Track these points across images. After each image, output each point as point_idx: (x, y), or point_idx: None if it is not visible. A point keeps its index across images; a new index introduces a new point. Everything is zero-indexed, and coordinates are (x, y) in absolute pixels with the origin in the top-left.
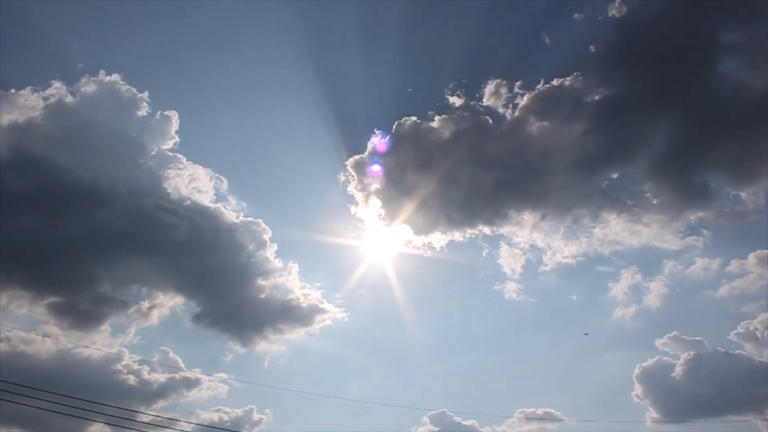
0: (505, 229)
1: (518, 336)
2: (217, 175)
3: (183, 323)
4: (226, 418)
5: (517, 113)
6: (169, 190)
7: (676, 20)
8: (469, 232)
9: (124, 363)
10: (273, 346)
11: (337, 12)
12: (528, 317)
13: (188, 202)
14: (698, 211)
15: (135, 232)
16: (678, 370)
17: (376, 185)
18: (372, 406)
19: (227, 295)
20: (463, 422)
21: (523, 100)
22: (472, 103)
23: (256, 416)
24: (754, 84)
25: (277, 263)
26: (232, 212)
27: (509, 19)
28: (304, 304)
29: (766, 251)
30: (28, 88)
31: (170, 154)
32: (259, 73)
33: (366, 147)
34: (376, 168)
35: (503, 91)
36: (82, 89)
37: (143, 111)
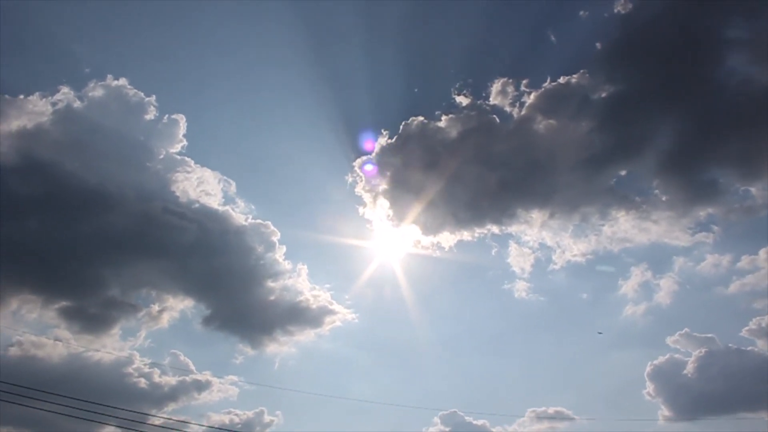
0: (513, 228)
1: (528, 335)
2: (225, 177)
3: (193, 326)
4: (237, 420)
5: (524, 112)
6: (178, 194)
7: (682, 16)
8: (478, 231)
9: (134, 366)
10: (283, 347)
11: (342, 13)
12: (538, 316)
13: (197, 205)
14: (707, 207)
15: (144, 236)
16: (690, 368)
17: (383, 186)
18: (382, 407)
19: (237, 298)
20: (474, 422)
21: (530, 99)
22: (478, 102)
23: (266, 418)
24: (760, 79)
25: (286, 265)
26: (240, 215)
27: (515, 17)
28: (314, 306)
29: None
30: (37, 93)
31: (178, 157)
32: (265, 75)
33: (373, 148)
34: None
35: (510, 89)
36: (90, 94)
37: (151, 115)
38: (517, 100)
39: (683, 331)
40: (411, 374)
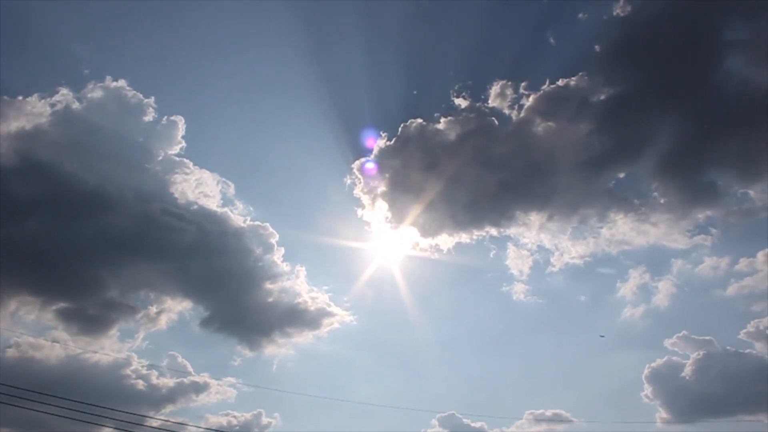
0: (512, 230)
1: (526, 337)
2: (223, 179)
3: (191, 328)
4: (234, 422)
5: (522, 114)
6: (176, 195)
7: (680, 18)
8: (476, 233)
9: (132, 368)
10: (281, 349)
11: (341, 15)
12: (536, 318)
13: (195, 207)
14: (706, 209)
15: (142, 237)
16: (688, 370)
17: (382, 188)
18: (380, 409)
19: (235, 300)
20: (472, 424)
21: (529, 101)
22: (477, 104)
23: (264, 420)
24: (759, 81)
25: (285, 267)
26: (239, 216)
27: (514, 19)
28: (312, 308)
29: None
30: (35, 95)
31: (177, 158)
32: (264, 77)
33: (372, 150)
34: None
35: (509, 92)
36: (89, 95)
37: (149, 116)
38: (516, 103)
39: (681, 333)
40: (409, 376)
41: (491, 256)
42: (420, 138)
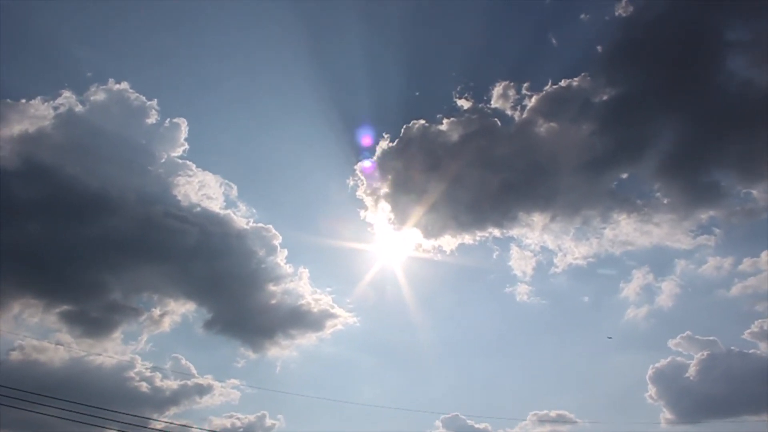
0: (515, 231)
1: (530, 338)
2: (226, 181)
3: (194, 330)
4: (238, 424)
5: (525, 115)
6: (179, 197)
7: (682, 19)
8: (479, 234)
9: (136, 370)
10: (284, 351)
11: (343, 16)
12: (539, 319)
13: (198, 209)
14: (709, 209)
15: (145, 240)
16: (692, 371)
17: (385, 189)
18: (384, 411)
19: (238, 301)
20: (476, 426)
21: (531, 102)
22: (480, 105)
23: (268, 422)
24: (761, 81)
25: (288, 269)
26: (242, 218)
27: (516, 20)
28: (315, 309)
29: None
30: (38, 97)
31: (180, 161)
32: (267, 79)
33: (375, 152)
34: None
35: (511, 93)
36: (92, 98)
37: (152, 119)
38: (519, 104)
39: (685, 333)
40: (413, 378)
41: (494, 257)
42: (422, 139)
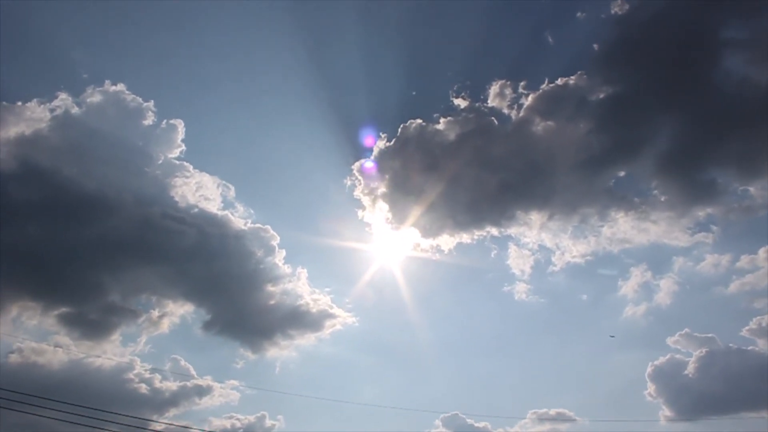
0: (512, 230)
1: (529, 337)
2: (224, 182)
3: (193, 331)
4: (238, 424)
5: (522, 114)
6: (177, 199)
7: (679, 17)
8: (477, 233)
9: (135, 372)
10: (283, 351)
11: (340, 16)
12: (538, 318)
13: (196, 210)
14: (706, 207)
15: (143, 241)
16: (690, 368)
17: (382, 189)
18: (384, 410)
19: (237, 302)
20: (476, 424)
21: (528, 101)
22: (477, 104)
23: (268, 422)
24: (758, 79)
25: (286, 269)
26: (239, 219)
27: (512, 19)
28: (314, 310)
29: None
30: (35, 100)
31: (177, 162)
32: (263, 79)
33: (372, 151)
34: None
35: (508, 91)
36: (88, 100)
37: (149, 120)
38: (516, 102)
39: (683, 331)
40: (412, 377)
41: (492, 256)
42: (420, 138)
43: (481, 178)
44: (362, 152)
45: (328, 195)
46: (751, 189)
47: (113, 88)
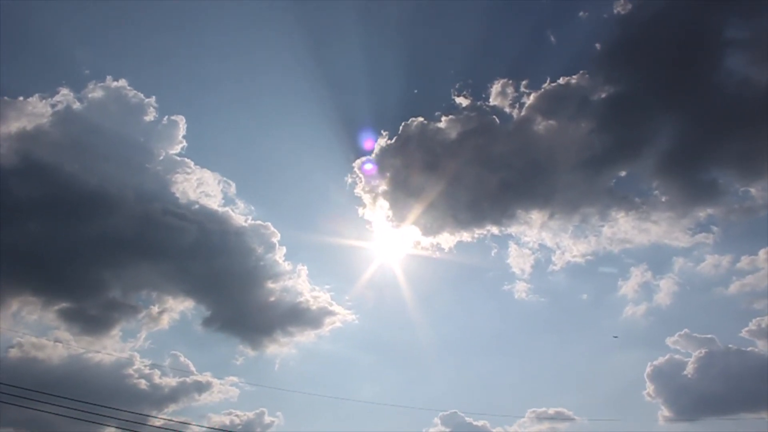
0: (513, 229)
1: (528, 336)
2: (225, 178)
3: (193, 327)
4: (237, 421)
5: (523, 113)
6: (177, 195)
7: (681, 17)
8: (478, 232)
9: (135, 367)
10: (283, 348)
11: (341, 14)
12: (538, 317)
13: (196, 207)
14: (707, 207)
15: (143, 237)
16: (690, 368)
17: (383, 187)
18: (383, 408)
19: (237, 299)
20: (475, 423)
21: (530, 100)
22: (478, 103)
23: (267, 419)
24: (759, 79)
25: (286, 266)
26: (240, 216)
27: (514, 18)
28: (314, 307)
29: None
30: (36, 95)
31: (178, 158)
32: (265, 76)
33: (373, 149)
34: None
35: (509, 90)
36: (90, 95)
37: (150, 116)
38: (517, 101)
39: (683, 331)
40: (411, 375)
41: (493, 254)
42: (421, 137)
43: (482, 176)
44: (363, 150)
45: (328, 192)
46: (752, 190)
47: (115, 83)
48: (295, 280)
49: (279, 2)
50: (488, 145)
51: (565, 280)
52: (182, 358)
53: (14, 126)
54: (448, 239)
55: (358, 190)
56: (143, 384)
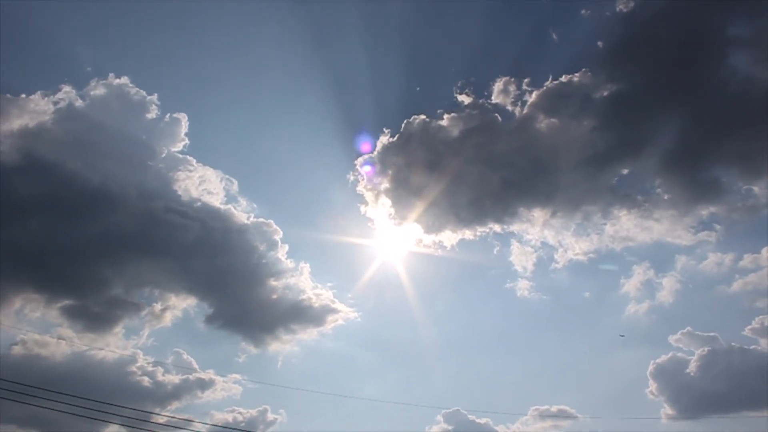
0: (515, 227)
1: (531, 334)
2: (227, 176)
3: (196, 325)
4: (240, 418)
5: (525, 110)
6: (180, 192)
7: (683, 15)
8: (480, 230)
9: (138, 365)
10: (286, 346)
11: (344, 13)
12: (540, 315)
13: (199, 204)
14: (710, 205)
15: (146, 235)
16: (692, 367)
17: (385, 184)
18: (385, 405)
19: (239, 296)
20: (477, 420)
21: (532, 98)
22: (480, 101)
23: (270, 416)
24: (762, 78)
25: (289, 264)
26: (242, 213)
27: (516, 16)
28: (316, 304)
29: None
30: (39, 92)
31: (180, 156)
32: (267, 74)
33: (375, 146)
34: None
35: (512, 88)
36: (92, 93)
37: (153, 113)
38: (519, 99)
39: (686, 329)
40: (414, 373)
41: (495, 252)
42: (423, 134)
43: (484, 174)
44: (365, 148)
45: (331, 190)
46: (755, 188)
47: (117, 81)
48: (298, 278)
49: (282, 1)
50: (490, 143)
51: (567, 278)
52: (185, 356)
53: (16, 123)
54: (450, 237)
55: (360, 188)
56: (146, 381)
